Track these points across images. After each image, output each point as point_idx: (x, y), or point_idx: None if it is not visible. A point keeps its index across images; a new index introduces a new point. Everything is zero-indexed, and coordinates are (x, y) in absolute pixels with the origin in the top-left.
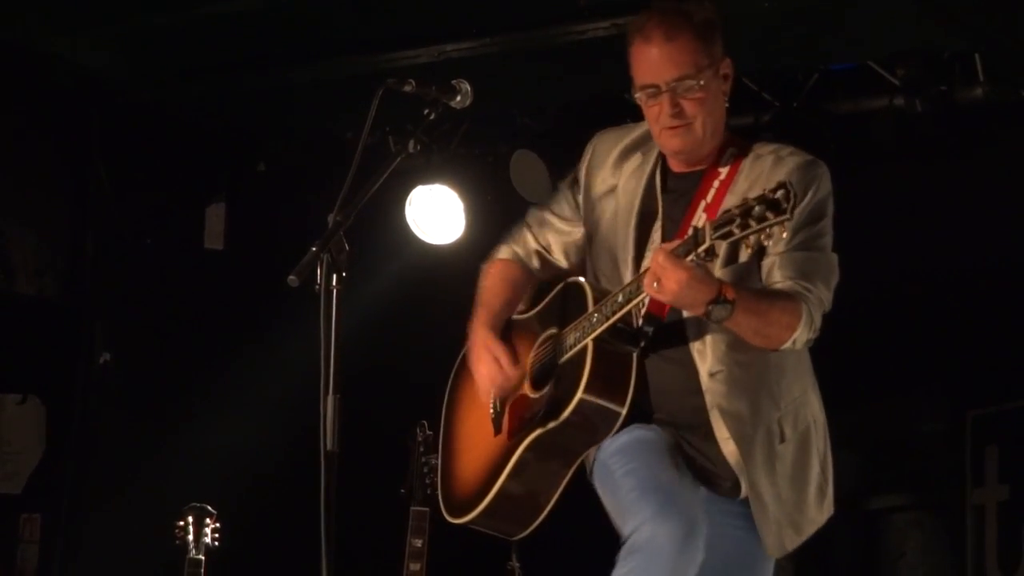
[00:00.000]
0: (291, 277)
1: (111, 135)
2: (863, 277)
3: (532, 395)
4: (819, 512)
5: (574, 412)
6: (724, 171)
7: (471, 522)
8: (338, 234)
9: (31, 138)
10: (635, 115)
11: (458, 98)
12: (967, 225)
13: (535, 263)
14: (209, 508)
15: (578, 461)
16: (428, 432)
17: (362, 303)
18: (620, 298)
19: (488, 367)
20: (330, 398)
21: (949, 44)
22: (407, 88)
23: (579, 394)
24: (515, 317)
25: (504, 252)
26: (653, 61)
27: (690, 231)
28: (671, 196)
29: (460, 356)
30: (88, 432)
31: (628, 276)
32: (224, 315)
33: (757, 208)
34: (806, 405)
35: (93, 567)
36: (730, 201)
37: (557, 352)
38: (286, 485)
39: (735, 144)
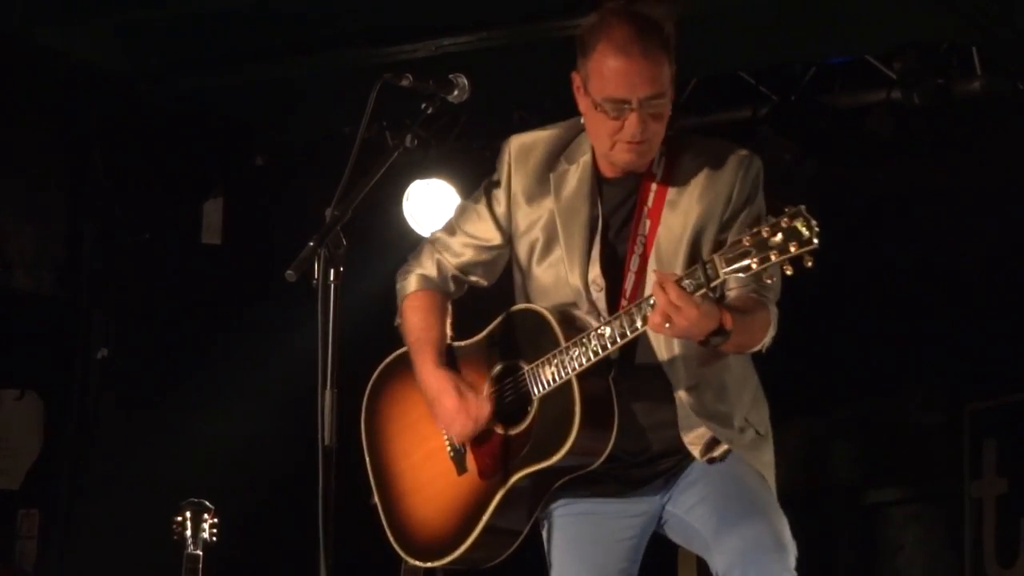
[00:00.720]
0: (289, 272)
1: (109, 129)
2: (860, 270)
3: (504, 432)
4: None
5: (569, 452)
6: (659, 173)
7: (451, 563)
8: (336, 228)
9: (28, 131)
10: None
11: (455, 92)
12: (965, 218)
13: (451, 287)
14: (207, 503)
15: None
16: None
17: (359, 297)
18: (608, 332)
19: (453, 402)
20: (328, 392)
21: (946, 37)
22: (404, 82)
23: (574, 433)
24: (454, 345)
25: (414, 283)
26: (630, 76)
27: (698, 265)
28: (609, 204)
29: (369, 386)
30: (86, 427)
31: (577, 286)
32: (222, 310)
33: (773, 240)
34: (758, 406)
35: (91, 562)
36: (679, 206)
37: (530, 387)
38: (284, 480)
39: (663, 143)
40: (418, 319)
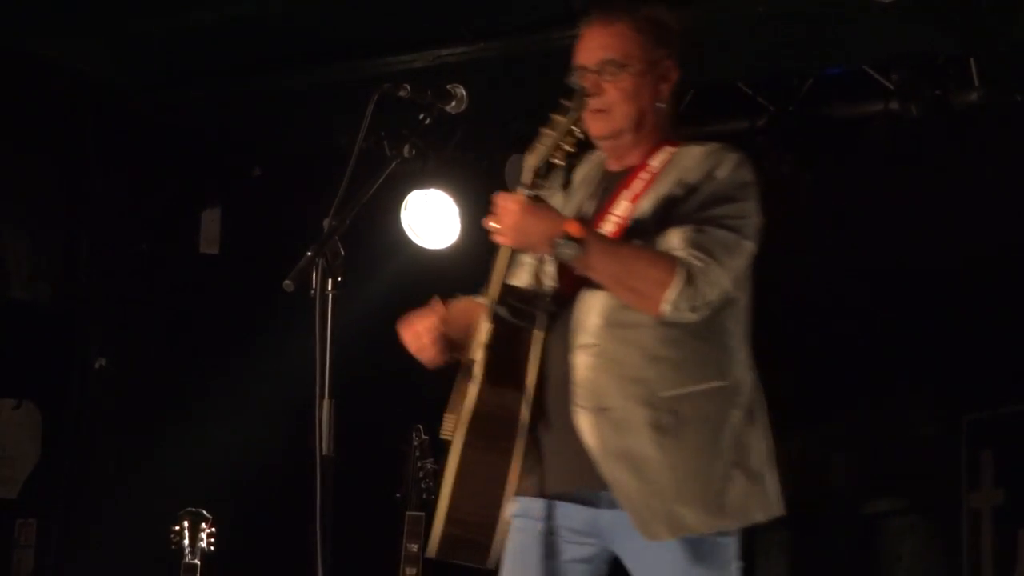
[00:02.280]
0: (286, 282)
1: (106, 140)
2: (857, 281)
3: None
4: (718, 516)
5: (479, 401)
6: (655, 165)
7: (439, 554)
8: (333, 239)
9: (25, 143)
10: None
11: (453, 103)
12: (963, 229)
13: None
14: (205, 513)
15: (514, 462)
16: (423, 436)
17: (357, 308)
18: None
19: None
20: (325, 402)
21: (944, 48)
22: (402, 93)
23: (477, 383)
24: None
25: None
26: (586, 44)
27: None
28: (605, 193)
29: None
30: (83, 437)
31: (550, 273)
32: (220, 320)
33: (552, 123)
34: (714, 400)
35: (89, 572)
36: (656, 191)
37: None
38: (282, 490)
39: (673, 144)
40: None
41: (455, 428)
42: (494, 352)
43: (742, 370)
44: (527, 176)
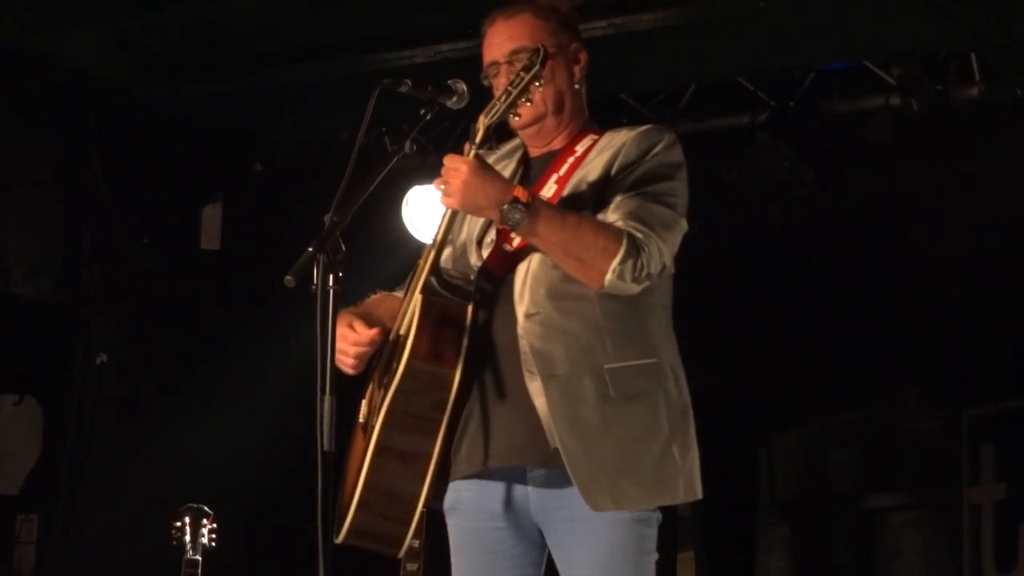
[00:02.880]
0: (287, 277)
1: (107, 135)
2: (857, 275)
3: (385, 383)
4: (655, 490)
5: (403, 377)
6: (580, 149)
7: (347, 538)
8: (334, 234)
9: (27, 138)
10: (630, 115)
11: (454, 98)
12: (964, 225)
13: None
14: (206, 509)
15: (439, 442)
16: None
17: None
18: (436, 241)
19: (343, 331)
20: (327, 399)
21: (945, 43)
22: (403, 88)
23: (406, 356)
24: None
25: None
26: (492, 40)
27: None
28: (526, 179)
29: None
30: (85, 433)
31: (473, 259)
32: (220, 316)
33: (516, 78)
34: (652, 376)
35: (90, 567)
36: (583, 173)
37: (398, 322)
38: (283, 486)
39: (596, 133)
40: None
41: (371, 410)
42: (424, 326)
43: (672, 349)
44: (479, 135)
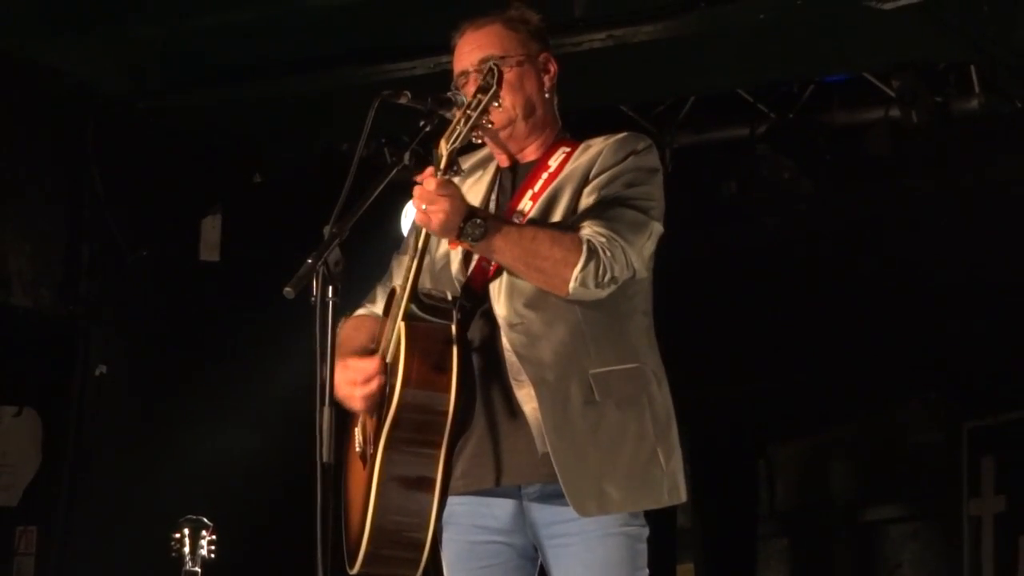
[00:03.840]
0: (287, 289)
1: (107, 146)
2: (857, 288)
3: (382, 414)
4: (640, 494)
5: (400, 406)
6: (554, 163)
7: (362, 568)
8: (334, 246)
9: (26, 148)
10: (630, 127)
11: (454, 110)
12: (964, 236)
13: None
14: (205, 520)
15: (441, 465)
16: None
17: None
18: (412, 269)
19: (344, 375)
20: (326, 410)
21: (944, 55)
22: (403, 100)
23: (399, 386)
24: None
25: (359, 312)
26: (462, 50)
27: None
28: (503, 192)
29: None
30: (84, 444)
31: (455, 271)
32: (220, 327)
33: (473, 101)
34: (636, 381)
35: None
36: (558, 186)
37: (382, 351)
38: (282, 497)
39: (569, 144)
40: (343, 337)
41: (366, 439)
42: (412, 352)
43: (653, 354)
44: (443, 161)
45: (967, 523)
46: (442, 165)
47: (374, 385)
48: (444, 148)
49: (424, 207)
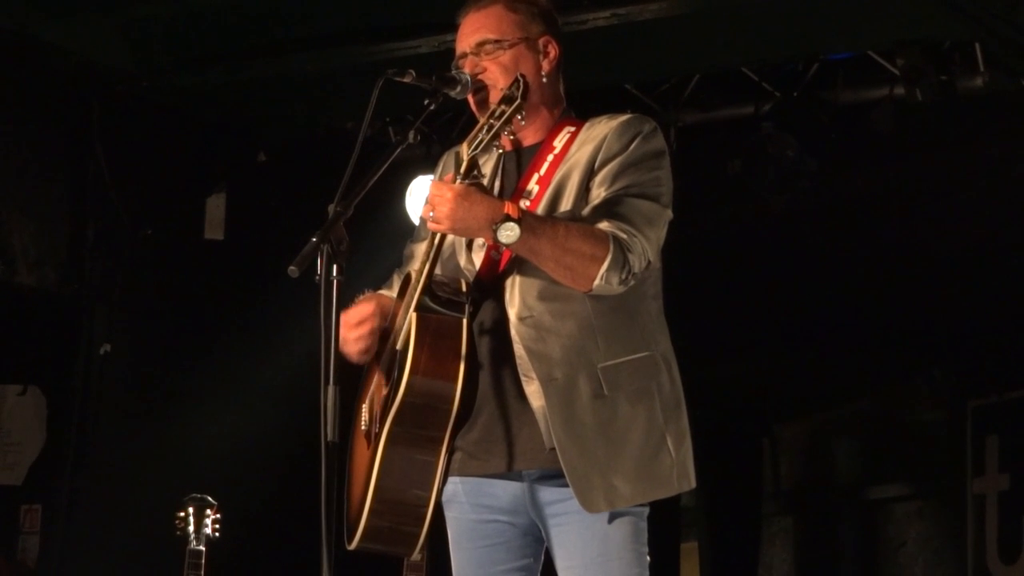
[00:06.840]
0: (291, 267)
1: (111, 124)
2: (862, 266)
3: (384, 391)
4: (649, 485)
5: (407, 392)
6: (559, 145)
7: (360, 543)
8: (338, 224)
9: (31, 127)
10: (635, 105)
11: (458, 88)
12: (968, 215)
13: None
14: (210, 499)
15: (443, 451)
16: None
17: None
18: (427, 261)
19: (342, 320)
20: (330, 388)
21: (949, 33)
22: (407, 78)
23: (406, 374)
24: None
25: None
26: (463, 31)
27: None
28: (507, 175)
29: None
30: (88, 423)
31: (463, 262)
32: (224, 305)
33: (498, 110)
34: (645, 371)
35: (94, 558)
36: (564, 169)
37: (393, 337)
38: (286, 476)
39: (573, 124)
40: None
41: (372, 419)
42: (422, 342)
43: (664, 338)
44: (464, 166)
45: (971, 501)
46: (463, 170)
47: (365, 328)
48: (465, 153)
49: (437, 214)
